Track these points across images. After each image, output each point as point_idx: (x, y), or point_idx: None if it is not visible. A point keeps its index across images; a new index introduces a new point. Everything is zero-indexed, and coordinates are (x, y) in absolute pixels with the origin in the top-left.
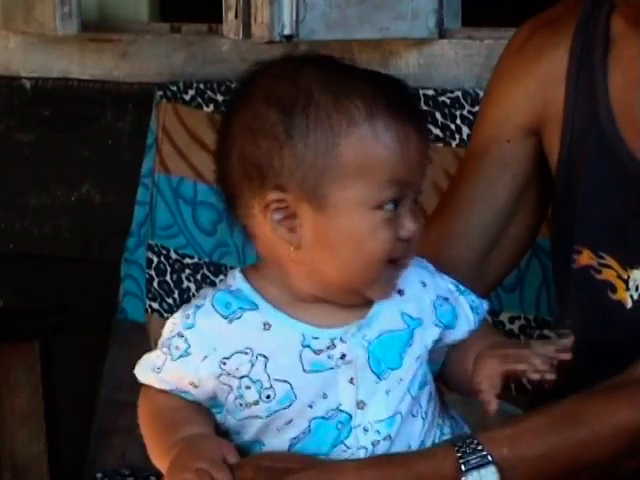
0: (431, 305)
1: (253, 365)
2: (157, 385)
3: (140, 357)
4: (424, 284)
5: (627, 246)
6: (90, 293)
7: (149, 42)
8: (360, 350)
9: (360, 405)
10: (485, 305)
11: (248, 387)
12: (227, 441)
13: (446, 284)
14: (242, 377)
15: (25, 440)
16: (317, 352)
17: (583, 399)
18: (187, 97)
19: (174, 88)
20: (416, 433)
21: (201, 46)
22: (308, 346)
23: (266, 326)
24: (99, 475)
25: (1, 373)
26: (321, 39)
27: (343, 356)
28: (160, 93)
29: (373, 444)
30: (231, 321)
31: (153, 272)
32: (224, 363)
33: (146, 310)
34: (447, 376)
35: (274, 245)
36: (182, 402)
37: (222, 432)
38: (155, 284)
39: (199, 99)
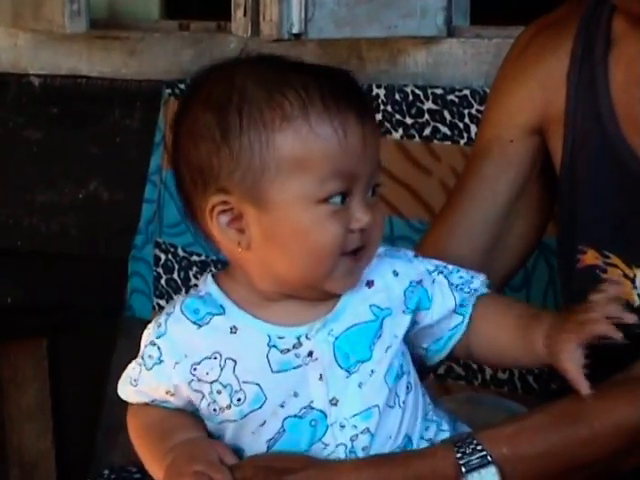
0: (402, 294)
1: (222, 369)
2: (136, 399)
3: None
4: (396, 273)
5: (631, 245)
6: (97, 290)
7: (157, 40)
8: (325, 346)
9: (333, 402)
10: (479, 278)
11: (219, 392)
12: (222, 443)
13: (424, 267)
14: (212, 382)
15: (32, 437)
16: (283, 351)
17: (582, 397)
18: None
19: (182, 86)
20: (394, 424)
21: (209, 44)
22: (274, 346)
23: (233, 329)
24: (106, 472)
25: (9, 370)
26: (329, 37)
27: (310, 353)
28: (168, 91)
29: (352, 439)
30: (200, 327)
31: (160, 270)
32: (195, 369)
33: (153, 307)
34: (489, 356)
35: (227, 247)
36: (168, 412)
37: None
38: (162, 282)
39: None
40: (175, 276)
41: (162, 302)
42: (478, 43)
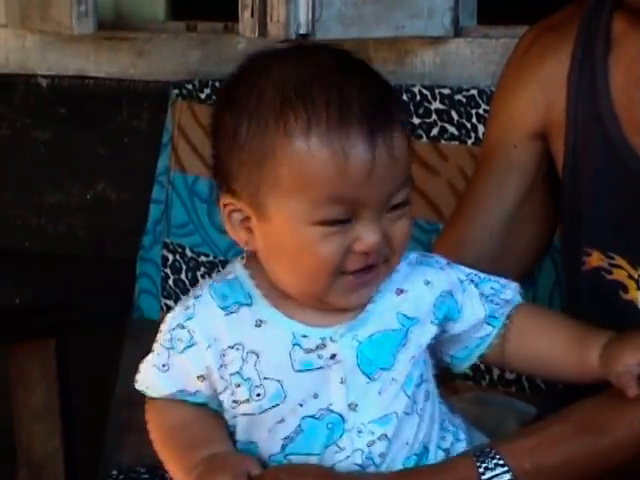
0: (432, 304)
1: (244, 362)
2: (162, 390)
3: None
4: (427, 282)
5: (635, 245)
6: (105, 291)
7: (165, 41)
8: (349, 351)
9: (352, 406)
10: (511, 287)
11: (238, 385)
12: (250, 456)
13: (456, 275)
14: (233, 374)
15: (41, 437)
16: (307, 351)
17: (601, 406)
18: (203, 95)
19: (190, 86)
20: (412, 430)
21: (217, 45)
22: (298, 344)
23: (258, 323)
24: (114, 472)
25: (17, 371)
26: (337, 38)
27: (333, 356)
28: (176, 91)
29: (368, 445)
30: (227, 314)
31: (168, 270)
32: (223, 355)
33: (161, 308)
34: (526, 366)
35: (241, 244)
36: (193, 414)
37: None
38: (170, 282)
39: (215, 97)
40: (183, 276)
41: (170, 303)
42: (485, 43)
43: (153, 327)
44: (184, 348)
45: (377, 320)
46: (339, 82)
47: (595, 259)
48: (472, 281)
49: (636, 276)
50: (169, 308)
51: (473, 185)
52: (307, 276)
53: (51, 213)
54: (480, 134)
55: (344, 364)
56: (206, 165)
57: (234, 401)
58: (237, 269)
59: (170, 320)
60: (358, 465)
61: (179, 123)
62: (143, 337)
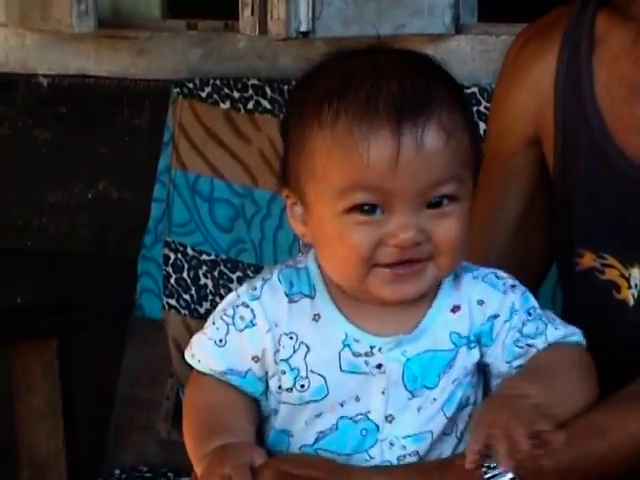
0: (479, 326)
1: (295, 351)
2: (213, 365)
3: (157, 354)
4: (481, 302)
5: (625, 244)
6: (107, 290)
7: (165, 39)
8: (395, 365)
9: (389, 419)
10: (548, 334)
11: (284, 372)
12: (259, 447)
13: (511, 301)
14: (282, 360)
15: (43, 437)
16: (355, 354)
17: (599, 411)
18: (203, 94)
19: (190, 85)
20: (448, 451)
21: (217, 43)
22: (348, 346)
23: (316, 317)
24: (117, 472)
25: (19, 370)
26: (337, 36)
27: (379, 366)
28: (177, 90)
29: (398, 459)
30: (290, 302)
31: (170, 269)
32: (280, 340)
33: (163, 307)
34: None
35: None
36: (229, 399)
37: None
38: (172, 281)
39: (215, 96)
40: (185, 275)
41: (172, 301)
42: (486, 40)
43: (155, 326)
44: (244, 327)
45: (430, 337)
46: (380, 77)
47: (588, 260)
48: (528, 318)
49: (627, 275)
50: (171, 307)
51: (476, 197)
52: (342, 265)
53: (53, 212)
54: (481, 132)
55: (388, 376)
56: (207, 163)
57: (279, 387)
58: (309, 259)
59: (234, 296)
60: None
61: (180, 121)
62: (145, 336)
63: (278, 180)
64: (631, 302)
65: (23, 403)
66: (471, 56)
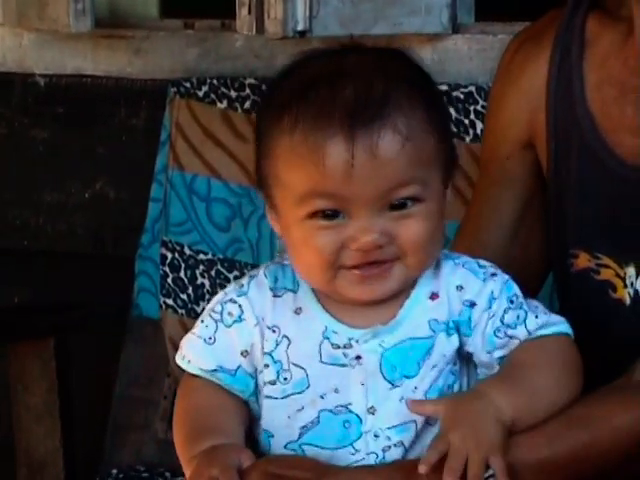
0: (457, 312)
1: (278, 344)
2: (203, 363)
3: (155, 353)
4: (460, 288)
5: (619, 243)
6: (104, 290)
7: (162, 38)
8: (372, 356)
9: (371, 410)
10: (527, 326)
11: (267, 365)
12: (247, 449)
13: (490, 289)
14: (266, 353)
15: (40, 437)
16: (334, 347)
17: (581, 404)
18: (200, 93)
19: (187, 84)
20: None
21: (214, 42)
22: (327, 338)
23: (297, 311)
24: (114, 471)
25: (16, 370)
26: (335, 35)
27: (358, 357)
28: (173, 89)
29: (384, 450)
30: (274, 296)
31: (167, 268)
32: (264, 334)
33: (160, 306)
34: None
35: None
36: (219, 400)
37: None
38: (169, 280)
39: (213, 95)
40: (182, 275)
41: (169, 301)
42: (483, 39)
43: (152, 325)
44: (232, 322)
45: (408, 326)
46: (339, 82)
47: (583, 260)
48: (510, 306)
49: (623, 274)
50: (168, 306)
51: (473, 201)
52: (310, 269)
53: (50, 212)
54: (478, 131)
55: (366, 368)
56: (204, 163)
57: (263, 381)
58: None
59: (223, 294)
60: None
61: (177, 121)
62: (142, 335)
63: (256, 182)
64: (627, 301)
65: (21, 403)
66: (468, 55)
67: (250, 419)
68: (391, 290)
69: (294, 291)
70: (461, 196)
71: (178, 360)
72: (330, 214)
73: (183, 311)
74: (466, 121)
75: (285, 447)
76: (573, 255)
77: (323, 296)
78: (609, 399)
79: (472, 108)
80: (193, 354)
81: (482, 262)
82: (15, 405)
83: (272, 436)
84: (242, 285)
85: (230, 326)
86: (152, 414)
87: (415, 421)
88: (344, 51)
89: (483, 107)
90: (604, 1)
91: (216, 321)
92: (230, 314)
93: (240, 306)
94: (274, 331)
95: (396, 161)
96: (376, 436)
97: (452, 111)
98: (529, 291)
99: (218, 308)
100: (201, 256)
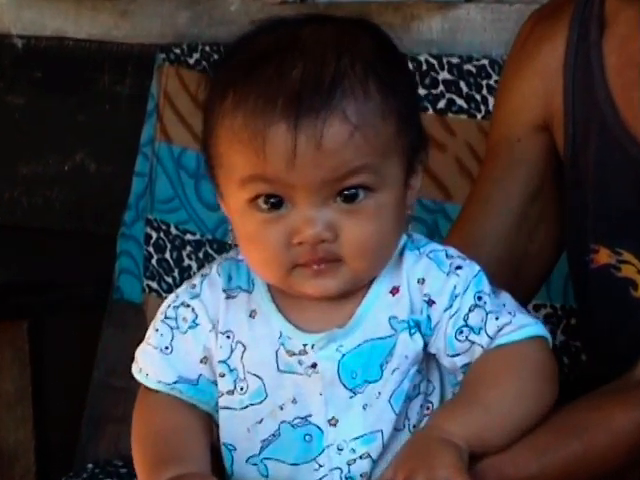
0: (419, 308)
1: (232, 351)
2: (162, 377)
3: (136, 340)
4: (422, 281)
5: None
6: (83, 270)
7: (151, 0)
8: (329, 364)
9: (332, 422)
10: (488, 332)
11: (222, 375)
12: (212, 476)
13: (452, 285)
14: (221, 361)
15: (11, 426)
16: (290, 354)
17: (576, 408)
18: (191, 60)
19: (178, 50)
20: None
21: (207, 5)
22: (283, 344)
23: (252, 314)
24: (90, 466)
25: None
26: (338, 0)
27: (314, 365)
28: (162, 55)
29: (349, 464)
30: (227, 298)
31: (152, 249)
32: (217, 341)
33: (143, 290)
34: None
35: None
36: (181, 418)
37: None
38: (154, 262)
39: (204, 63)
40: (167, 256)
41: (153, 284)
42: (498, 8)
43: (134, 310)
44: (187, 328)
45: (367, 326)
46: (289, 61)
47: (603, 256)
48: (476, 304)
49: None
50: (152, 290)
51: (478, 183)
52: (262, 265)
53: (25, 184)
54: (490, 107)
55: (323, 376)
56: (194, 136)
57: (220, 392)
58: None
59: (174, 297)
60: None
61: (165, 90)
62: (123, 320)
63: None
64: None
65: None
66: (482, 26)
67: (217, 433)
68: (343, 288)
69: (249, 291)
70: (472, 179)
71: (135, 374)
72: (274, 202)
73: (168, 295)
74: (478, 97)
75: (247, 462)
76: (593, 250)
77: (279, 295)
78: (607, 401)
79: (484, 83)
80: (151, 366)
81: (451, 252)
82: None
83: (234, 449)
84: (194, 286)
85: (186, 332)
86: (131, 405)
87: (381, 430)
88: (302, 22)
89: (496, 82)
90: None
91: (172, 328)
92: (185, 319)
93: (193, 310)
94: (228, 337)
95: (343, 152)
96: (340, 449)
97: (463, 85)
98: (527, 289)
99: (171, 313)
100: (188, 236)
